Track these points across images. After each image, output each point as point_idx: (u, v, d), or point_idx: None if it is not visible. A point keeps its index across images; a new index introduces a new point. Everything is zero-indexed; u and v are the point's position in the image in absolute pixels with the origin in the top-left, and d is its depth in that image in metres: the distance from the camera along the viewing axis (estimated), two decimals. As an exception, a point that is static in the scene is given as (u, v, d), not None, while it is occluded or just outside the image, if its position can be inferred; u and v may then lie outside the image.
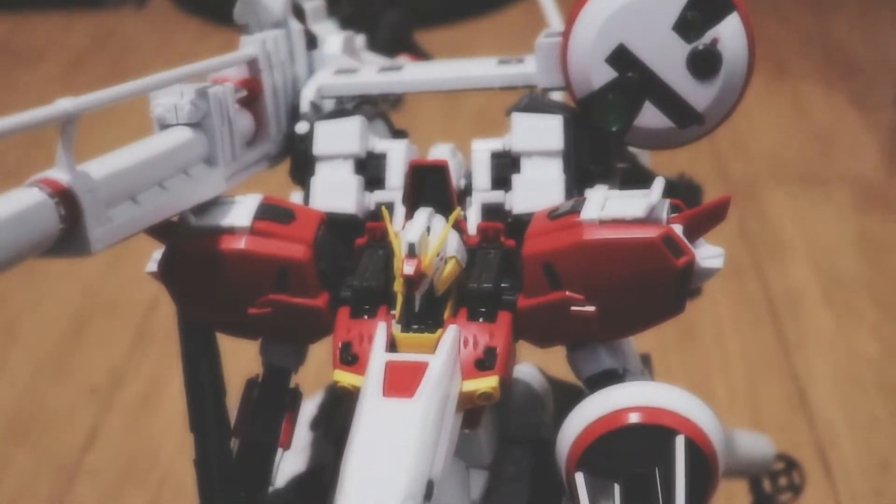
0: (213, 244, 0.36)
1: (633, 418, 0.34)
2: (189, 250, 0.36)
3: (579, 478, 0.35)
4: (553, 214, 0.35)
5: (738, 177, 1.26)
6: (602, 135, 0.40)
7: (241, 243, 0.36)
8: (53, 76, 1.58)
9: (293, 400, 0.40)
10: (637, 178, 0.41)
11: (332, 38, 0.47)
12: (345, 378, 0.35)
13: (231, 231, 0.36)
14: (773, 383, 0.91)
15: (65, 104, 0.27)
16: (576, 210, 0.35)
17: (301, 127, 0.43)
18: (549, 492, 0.42)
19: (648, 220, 0.34)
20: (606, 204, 0.34)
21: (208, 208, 0.36)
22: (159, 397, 0.91)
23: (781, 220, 1.16)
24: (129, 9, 1.81)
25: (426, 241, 0.34)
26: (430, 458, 0.30)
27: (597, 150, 0.40)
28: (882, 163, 1.30)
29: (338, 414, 0.50)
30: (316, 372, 0.42)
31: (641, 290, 0.34)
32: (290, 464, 0.48)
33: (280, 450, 0.39)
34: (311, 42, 0.46)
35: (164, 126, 0.36)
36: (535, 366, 0.47)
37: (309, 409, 0.52)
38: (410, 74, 0.43)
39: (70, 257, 0.29)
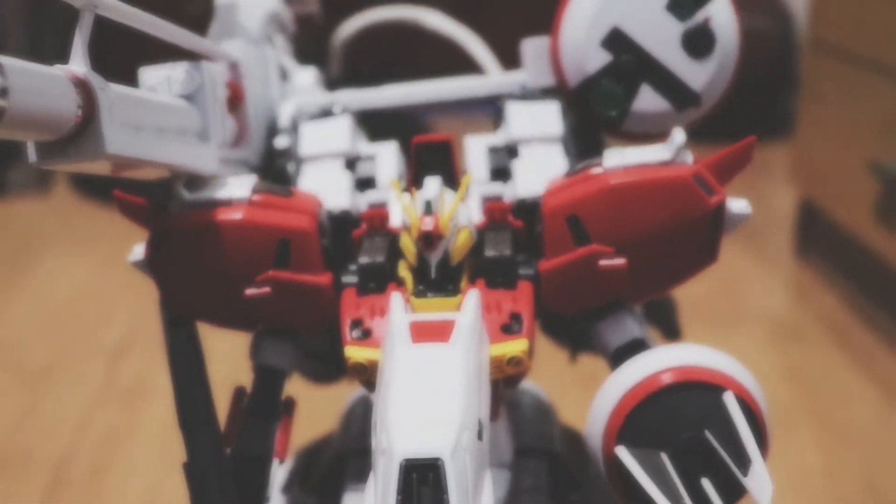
0: (209, 217, 0.33)
1: (671, 378, 0.32)
2: (182, 226, 0.33)
3: (622, 451, 0.32)
4: (570, 172, 0.34)
5: (658, 320, 1.27)
6: (593, 130, 0.39)
7: (239, 214, 0.33)
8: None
9: (288, 407, 0.36)
10: None
11: (304, 71, 0.46)
12: (358, 353, 0.31)
13: (228, 203, 0.33)
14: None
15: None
16: (596, 163, 0.34)
17: (281, 141, 0.41)
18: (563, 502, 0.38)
19: (675, 161, 0.33)
20: (626, 155, 0.33)
21: (202, 184, 0.34)
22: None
23: (707, 355, 1.17)
24: (32, 197, 1.81)
25: (442, 200, 0.33)
26: (478, 398, 0.27)
27: (588, 145, 0.39)
28: (789, 303, 1.35)
29: (314, 469, 0.45)
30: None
31: (673, 236, 0.32)
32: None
33: (276, 462, 0.35)
34: (282, 74, 0.45)
35: None
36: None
37: (279, 476, 0.47)
38: (396, 90, 0.43)
39: (86, 158, 0.26)
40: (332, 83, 0.62)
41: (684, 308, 1.40)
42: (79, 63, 0.26)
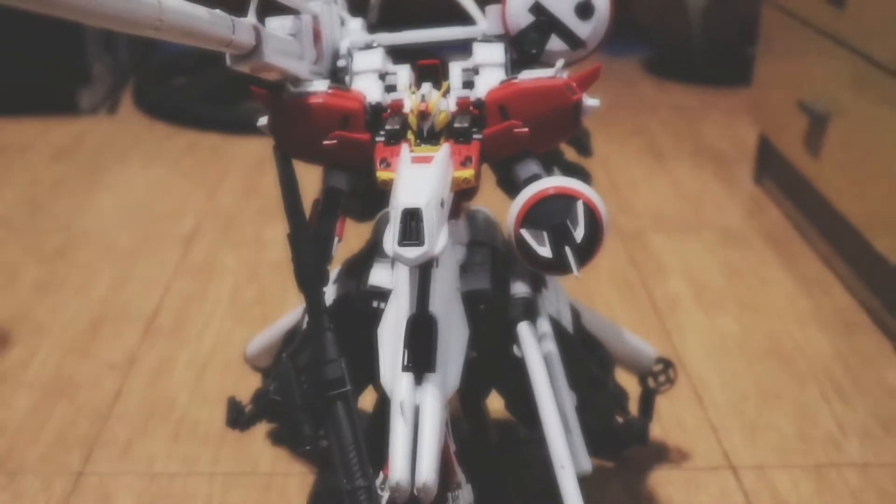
0: (305, 101, 0.61)
1: (552, 191, 0.60)
2: (289, 105, 0.61)
3: (524, 231, 0.60)
4: (502, 81, 0.62)
5: (626, 226, 1.55)
6: (526, 58, 0.67)
7: (321, 99, 0.61)
8: (40, 164, 1.81)
9: (345, 211, 0.64)
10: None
11: (354, 20, 0.74)
12: (383, 175, 0.59)
13: (315, 93, 0.61)
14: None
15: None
16: (515, 77, 0.61)
17: (341, 62, 0.69)
18: (501, 278, 0.66)
19: (555, 77, 0.60)
20: (532, 73, 0.61)
21: (299, 84, 0.62)
22: (171, 370, 1.12)
23: (662, 252, 1.45)
24: (101, 115, 2.06)
25: (430, 95, 0.60)
26: (441, 188, 0.55)
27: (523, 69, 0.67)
28: (742, 218, 1.61)
29: (355, 264, 0.74)
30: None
31: (554, 116, 0.60)
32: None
33: (336, 239, 0.63)
34: (341, 22, 0.73)
35: None
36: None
37: (331, 276, 0.76)
38: (408, 34, 0.70)
39: (251, 62, 0.53)
40: (371, 27, 0.89)
41: (655, 218, 1.69)
42: (252, 17, 0.53)
